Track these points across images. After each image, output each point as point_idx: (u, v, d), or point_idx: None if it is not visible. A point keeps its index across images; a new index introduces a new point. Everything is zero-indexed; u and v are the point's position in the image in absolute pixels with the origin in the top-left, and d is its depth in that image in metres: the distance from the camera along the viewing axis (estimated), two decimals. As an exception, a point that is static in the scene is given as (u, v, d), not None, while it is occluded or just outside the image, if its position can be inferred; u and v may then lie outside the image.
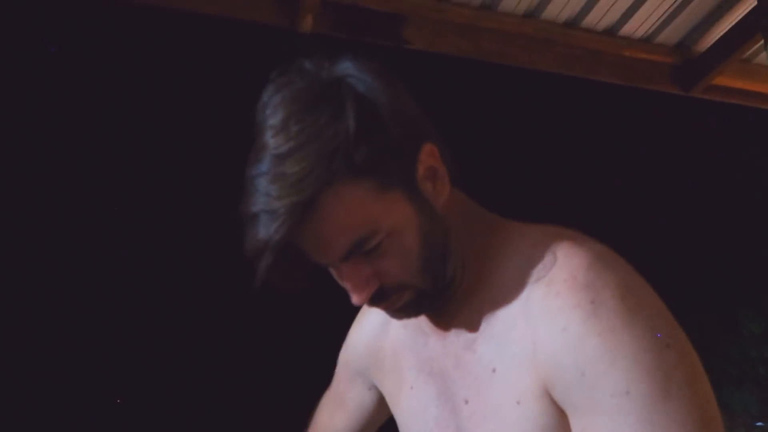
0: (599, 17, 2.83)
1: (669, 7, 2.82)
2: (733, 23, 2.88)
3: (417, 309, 0.89)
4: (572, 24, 2.85)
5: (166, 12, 2.31)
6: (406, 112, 0.84)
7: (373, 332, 1.09)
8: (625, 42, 2.93)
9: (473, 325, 0.89)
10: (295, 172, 0.75)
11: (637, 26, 2.90)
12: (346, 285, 0.85)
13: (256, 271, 0.77)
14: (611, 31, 2.91)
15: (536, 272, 0.84)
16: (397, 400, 1.03)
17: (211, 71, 2.41)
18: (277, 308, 2.51)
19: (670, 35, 2.97)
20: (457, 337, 0.91)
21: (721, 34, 2.93)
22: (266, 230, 0.76)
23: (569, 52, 2.87)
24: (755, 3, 2.62)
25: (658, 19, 2.88)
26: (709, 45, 2.98)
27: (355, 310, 1.11)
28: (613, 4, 2.76)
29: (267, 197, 0.76)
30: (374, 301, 0.86)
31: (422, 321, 0.97)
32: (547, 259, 0.84)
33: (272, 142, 0.77)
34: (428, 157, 0.85)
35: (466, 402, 0.89)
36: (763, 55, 2.83)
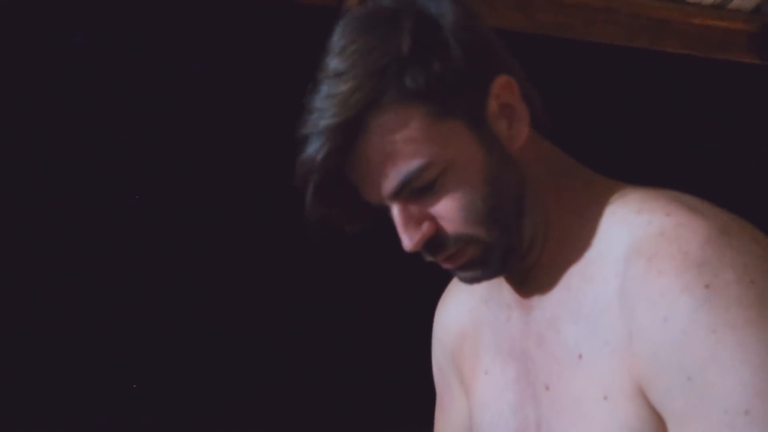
0: (666, -17, 2.66)
1: (744, -31, 2.62)
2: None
3: (485, 268, 0.77)
4: (635, -8, 2.68)
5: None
6: (478, 39, 0.74)
7: (455, 316, 0.95)
8: (694, 9, 2.74)
9: (560, 301, 0.76)
10: (344, 91, 0.70)
11: (708, -9, 2.71)
12: (397, 227, 0.74)
13: (305, 198, 0.73)
14: (679, -2, 2.73)
15: (638, 243, 0.69)
16: (471, 388, 0.91)
17: (261, 54, 2.37)
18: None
19: (745, 0, 2.77)
20: (542, 312, 0.79)
21: (804, -4, 2.70)
22: (313, 150, 0.71)
23: (633, 21, 2.70)
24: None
25: (731, -17, 2.68)
26: (789, 9, 2.76)
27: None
28: (681, -32, 2.59)
29: (317, 118, 0.71)
30: (430, 249, 0.75)
31: (506, 292, 0.84)
32: (653, 227, 0.69)
33: (329, 64, 0.73)
34: (503, 91, 0.75)
35: (547, 388, 0.77)
36: None
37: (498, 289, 0.87)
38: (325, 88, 0.72)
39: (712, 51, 2.80)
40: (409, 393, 2.29)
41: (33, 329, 2.09)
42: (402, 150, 0.71)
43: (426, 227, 0.74)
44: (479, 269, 0.77)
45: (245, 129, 2.37)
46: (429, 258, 0.77)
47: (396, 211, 0.74)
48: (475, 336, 0.91)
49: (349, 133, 0.71)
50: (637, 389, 0.68)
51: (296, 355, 2.37)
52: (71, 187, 2.18)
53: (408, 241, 0.74)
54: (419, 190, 0.73)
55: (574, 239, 0.77)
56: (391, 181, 0.72)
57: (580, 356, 0.73)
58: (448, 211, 0.73)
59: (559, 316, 0.76)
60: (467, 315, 0.93)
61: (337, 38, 0.74)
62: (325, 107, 0.71)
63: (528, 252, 0.78)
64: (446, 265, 0.78)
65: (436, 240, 0.74)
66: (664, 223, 0.68)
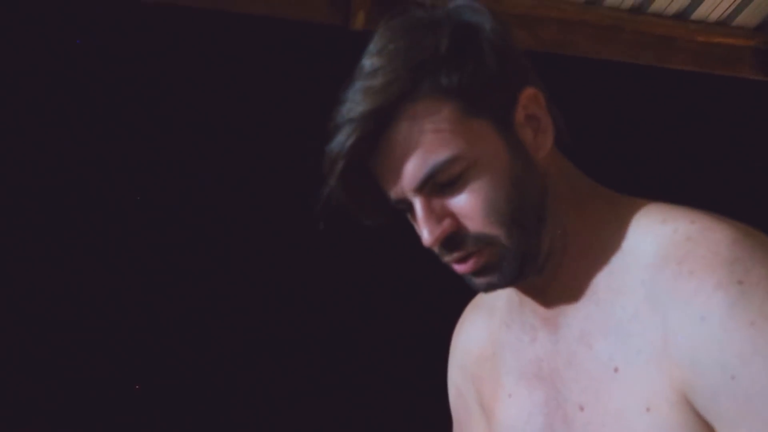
0: (669, 1, 2.67)
1: (747, -13, 2.63)
2: (822, 0, 2.65)
3: (501, 274, 0.75)
4: (639, 9, 2.69)
5: (216, 14, 2.30)
6: (510, 51, 0.77)
7: (475, 339, 0.94)
8: (699, 26, 2.75)
9: (588, 316, 0.75)
10: (379, 82, 0.72)
11: (712, 9, 2.71)
12: (418, 221, 0.74)
13: (328, 184, 0.74)
14: (683, 15, 2.74)
15: (665, 250, 0.69)
16: (491, 411, 0.88)
17: (265, 71, 2.39)
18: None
19: (748, 17, 2.77)
20: (570, 329, 0.77)
21: (808, 12, 2.71)
22: (342, 137, 0.72)
23: (638, 38, 2.71)
24: None
25: (735, 0, 2.68)
26: (794, 25, 2.76)
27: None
28: (684, -13, 2.60)
29: (349, 108, 0.73)
30: (449, 246, 0.74)
31: (529, 314, 0.83)
32: (679, 234, 0.68)
33: (365, 63, 0.75)
34: (530, 102, 0.76)
35: (582, 409, 0.75)
36: None
37: (519, 311, 0.86)
38: (360, 83, 0.73)
39: (717, 67, 2.80)
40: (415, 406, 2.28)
41: (33, 329, 2.09)
42: (431, 142, 0.72)
43: (447, 223, 0.73)
44: (495, 274, 0.75)
45: (250, 137, 2.39)
46: (446, 257, 0.76)
47: (418, 204, 0.74)
48: (495, 359, 0.89)
49: (380, 121, 0.72)
50: (680, 396, 0.66)
51: (302, 365, 2.36)
52: (71, 187, 2.19)
53: (428, 235, 0.73)
54: (443, 186, 0.73)
55: (596, 253, 0.76)
56: (417, 172, 0.72)
57: (616, 369, 0.72)
58: (471, 208, 0.73)
59: (589, 331, 0.75)
60: (486, 339, 0.92)
61: (375, 41, 0.76)
62: (358, 98, 0.72)
63: (544, 264, 0.78)
64: (461, 269, 0.76)
65: (456, 238, 0.74)
66: (690, 229, 0.69)
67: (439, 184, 0.73)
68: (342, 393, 2.38)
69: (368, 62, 0.75)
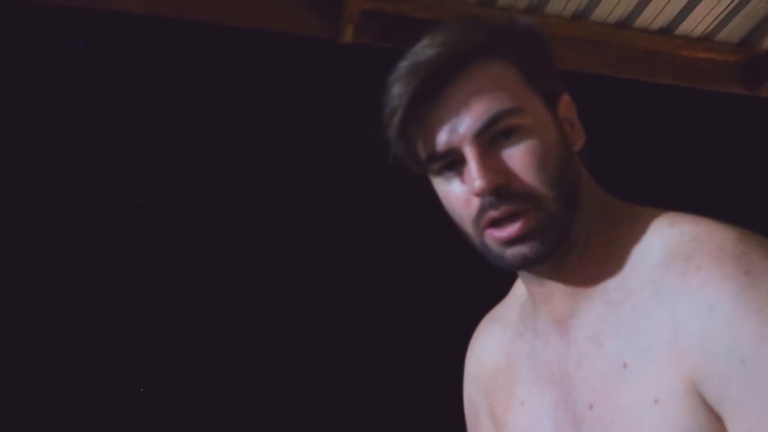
0: (653, 16, 2.71)
1: (729, 4, 2.67)
2: (802, 17, 2.71)
3: (542, 243, 0.75)
4: (624, 24, 2.73)
5: (208, 27, 2.32)
6: (554, 64, 0.85)
7: (490, 352, 0.95)
8: (683, 41, 2.79)
9: (599, 316, 0.77)
10: (453, 37, 0.77)
11: (695, 24, 2.76)
12: (471, 169, 0.75)
13: (391, 128, 0.77)
14: (667, 31, 2.78)
15: (672, 250, 0.72)
16: (505, 421, 0.89)
17: (256, 83, 2.40)
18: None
19: (731, 32, 2.82)
20: (581, 330, 0.79)
21: (789, 29, 2.76)
22: (408, 80, 0.75)
23: (623, 53, 2.75)
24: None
25: (718, 16, 2.73)
26: (775, 41, 2.81)
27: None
28: (667, 3, 2.64)
29: (417, 54, 0.77)
30: (498, 198, 0.74)
31: (542, 320, 0.85)
32: (686, 235, 0.72)
33: (433, 33, 0.79)
34: (567, 106, 0.84)
35: (591, 407, 0.76)
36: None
37: (533, 318, 0.87)
38: (428, 40, 0.78)
39: (701, 82, 2.85)
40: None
41: (34, 329, 2.08)
42: (499, 91, 0.76)
43: (500, 175, 0.75)
44: (535, 243, 0.75)
45: (242, 148, 2.39)
46: (492, 212, 0.75)
47: (473, 152, 0.75)
48: (509, 370, 0.90)
49: (452, 62, 0.76)
50: (689, 386, 0.67)
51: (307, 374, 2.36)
52: (71, 188, 2.19)
53: (481, 181, 0.74)
54: (499, 137, 0.76)
55: (609, 256, 0.79)
56: (483, 114, 0.75)
57: (625, 365, 0.73)
58: (524, 163, 0.75)
59: (601, 331, 0.77)
60: (500, 351, 0.93)
61: (439, 26, 0.80)
62: (427, 48, 0.76)
63: (568, 252, 0.79)
64: (508, 231, 0.76)
65: (504, 193, 0.75)
66: (696, 230, 0.72)
67: (497, 134, 0.76)
68: (356, 402, 2.37)
69: (436, 32, 0.78)
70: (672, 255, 0.72)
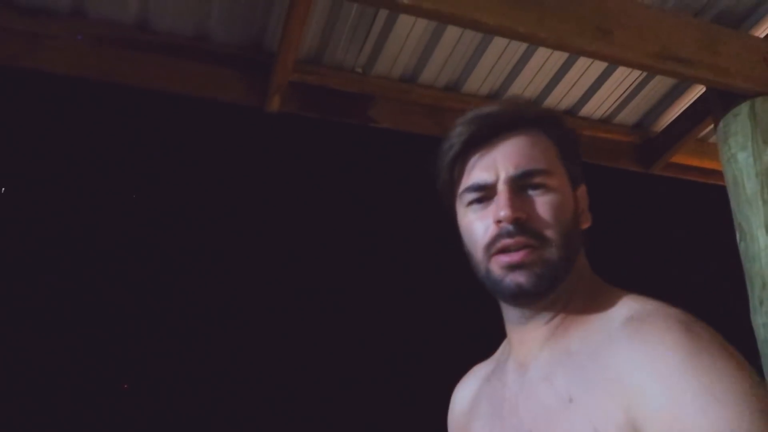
0: (559, 98, 2.92)
1: (625, 91, 2.94)
2: (687, 106, 3.00)
3: (537, 276, 0.91)
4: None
5: (137, 91, 2.34)
6: (581, 158, 1.04)
7: (461, 399, 1.12)
8: (584, 122, 3.03)
9: (558, 362, 0.91)
10: (514, 106, 0.99)
11: (596, 107, 3.01)
12: (500, 202, 0.92)
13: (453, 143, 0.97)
14: (572, 112, 3.01)
15: (632, 316, 0.86)
16: None
17: (182, 149, 2.43)
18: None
19: (628, 116, 3.08)
20: (537, 370, 0.93)
21: (676, 115, 3.05)
22: (472, 123, 0.97)
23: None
24: (704, 89, 2.74)
25: (616, 101, 2.99)
26: (665, 125, 3.09)
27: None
28: (572, 87, 2.87)
29: (480, 110, 0.99)
30: (516, 228, 0.91)
31: (511, 362, 1.00)
32: (648, 306, 0.87)
33: (495, 103, 1.02)
34: (583, 194, 1.02)
35: None
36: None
37: (503, 366, 1.02)
38: (492, 104, 1.00)
39: (601, 159, 3.08)
40: None
41: (34, 330, 1.96)
42: (538, 154, 0.96)
43: (522, 213, 0.90)
44: (531, 273, 0.92)
45: (169, 212, 2.39)
46: (506, 240, 0.91)
47: (506, 189, 0.93)
48: (471, 412, 1.06)
49: (506, 123, 0.95)
50: (626, 420, 0.78)
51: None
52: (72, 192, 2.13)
53: (507, 211, 0.91)
54: (529, 187, 0.93)
55: (584, 318, 0.93)
56: (523, 162, 0.95)
57: (571, 399, 0.85)
58: (543, 211, 0.93)
59: (554, 372, 0.90)
60: (469, 396, 1.09)
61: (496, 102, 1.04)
62: (490, 107, 0.98)
63: (551, 306, 0.94)
64: (512, 257, 0.92)
65: (521, 226, 0.92)
66: (655, 305, 0.88)
67: (528, 185, 0.94)
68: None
69: (500, 100, 1.01)
70: (630, 318, 0.86)
